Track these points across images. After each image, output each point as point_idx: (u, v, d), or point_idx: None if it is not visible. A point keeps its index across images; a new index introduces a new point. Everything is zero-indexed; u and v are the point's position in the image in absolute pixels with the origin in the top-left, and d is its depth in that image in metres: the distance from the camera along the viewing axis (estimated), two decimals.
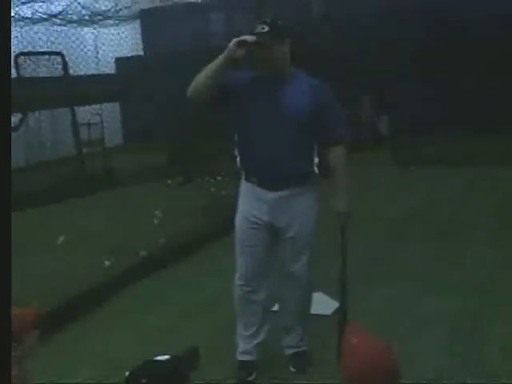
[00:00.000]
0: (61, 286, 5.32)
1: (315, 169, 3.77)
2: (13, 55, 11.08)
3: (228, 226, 4.95)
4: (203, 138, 10.07)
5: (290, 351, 4.01)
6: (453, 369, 3.85)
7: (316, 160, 3.77)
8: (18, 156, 10.17)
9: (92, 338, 4.68)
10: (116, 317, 5.10)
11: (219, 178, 9.31)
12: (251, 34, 3.56)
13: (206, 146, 10.32)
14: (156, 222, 7.43)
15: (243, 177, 3.83)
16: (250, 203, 3.76)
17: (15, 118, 10.72)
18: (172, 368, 2.14)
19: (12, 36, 11.39)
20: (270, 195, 3.69)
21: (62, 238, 6.89)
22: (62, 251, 6.61)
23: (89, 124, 11.85)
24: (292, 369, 3.96)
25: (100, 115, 12.36)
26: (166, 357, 2.19)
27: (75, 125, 11.11)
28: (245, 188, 3.82)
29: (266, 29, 3.52)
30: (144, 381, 2.11)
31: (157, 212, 7.61)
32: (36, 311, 2.53)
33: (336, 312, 4.20)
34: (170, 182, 9.86)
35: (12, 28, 11.21)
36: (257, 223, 3.74)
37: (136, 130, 14.28)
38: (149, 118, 13.25)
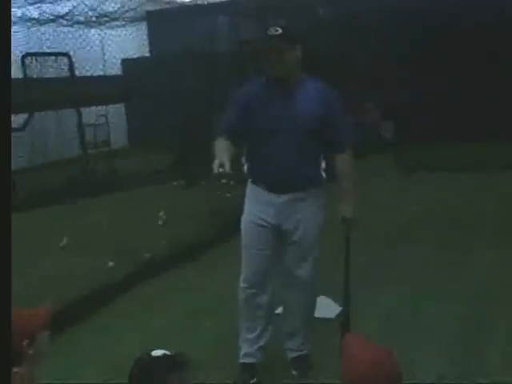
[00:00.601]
0: (63, 287, 5.33)
1: (322, 173, 3.80)
2: (20, 56, 11.12)
3: (232, 229, 4.97)
4: (208, 140, 10.07)
5: (292, 354, 4.00)
6: (454, 374, 3.84)
7: (323, 165, 3.80)
8: (23, 156, 10.20)
9: (95, 340, 4.71)
10: (119, 318, 5.12)
11: (224, 181, 9.30)
12: (264, 36, 3.58)
13: (210, 149, 10.30)
14: (160, 223, 7.44)
15: (250, 180, 3.85)
16: (257, 206, 3.79)
17: (21, 119, 10.76)
18: (153, 365, 2.19)
19: (19, 37, 11.45)
20: (277, 199, 3.71)
21: (65, 240, 6.90)
22: (65, 252, 6.63)
23: (94, 125, 11.90)
24: (294, 372, 3.96)
25: (106, 116, 12.41)
26: (159, 353, 2.23)
27: (81, 126, 11.15)
28: (251, 191, 3.85)
29: (280, 31, 3.54)
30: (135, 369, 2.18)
31: (160, 214, 7.62)
32: (48, 311, 2.54)
33: (339, 316, 4.21)
34: (175, 183, 9.87)
35: (19, 29, 11.28)
36: (263, 226, 3.76)
37: (141, 131, 14.30)
38: (154, 120, 13.27)
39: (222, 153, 3.46)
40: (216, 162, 3.35)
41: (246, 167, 3.86)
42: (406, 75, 12.50)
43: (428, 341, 4.31)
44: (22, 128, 10.52)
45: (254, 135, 3.73)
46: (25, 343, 2.36)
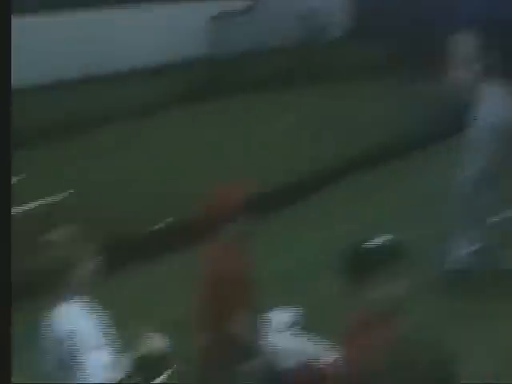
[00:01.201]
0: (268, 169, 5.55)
1: None
2: None
3: (454, 130, 4.78)
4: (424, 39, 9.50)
5: (508, 266, 3.80)
6: None
7: None
8: (247, 39, 10.35)
9: (304, 223, 4.92)
10: (335, 205, 5.32)
11: (444, 81, 8.81)
12: None
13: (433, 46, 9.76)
14: (369, 120, 7.31)
15: (485, 80, 3.62)
16: (490, 106, 3.59)
17: (246, 3, 10.90)
18: (373, 251, 2.19)
19: None
20: None
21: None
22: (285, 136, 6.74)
23: (312, 14, 11.72)
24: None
25: (327, 4, 12.17)
26: (381, 241, 2.21)
27: (303, 12, 11.05)
28: (485, 92, 3.63)
29: None
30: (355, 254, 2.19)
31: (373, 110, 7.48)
32: (244, 190, 2.60)
33: None
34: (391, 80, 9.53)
35: None
36: (496, 126, 3.56)
37: (360, 22, 13.87)
38: (374, 13, 12.79)
39: (463, 57, 3.30)
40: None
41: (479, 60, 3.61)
42: None
43: None
44: (246, 12, 10.69)
45: (497, 27, 3.45)
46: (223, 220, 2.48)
